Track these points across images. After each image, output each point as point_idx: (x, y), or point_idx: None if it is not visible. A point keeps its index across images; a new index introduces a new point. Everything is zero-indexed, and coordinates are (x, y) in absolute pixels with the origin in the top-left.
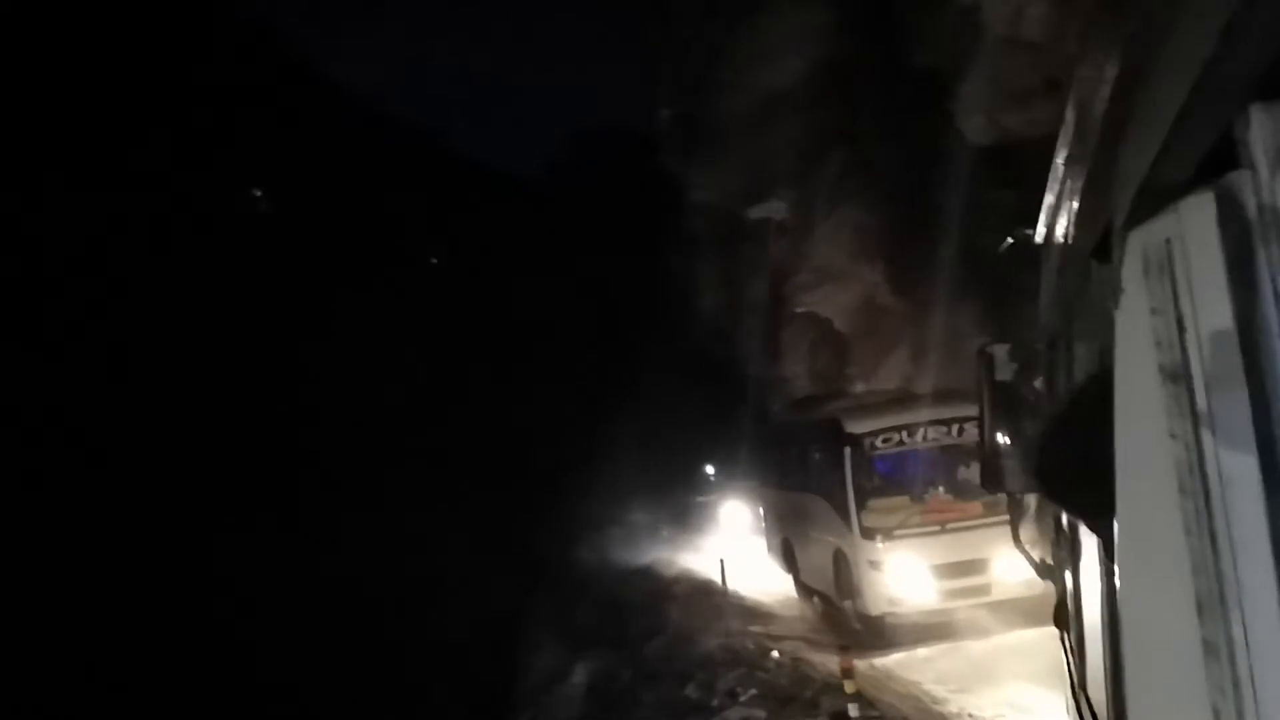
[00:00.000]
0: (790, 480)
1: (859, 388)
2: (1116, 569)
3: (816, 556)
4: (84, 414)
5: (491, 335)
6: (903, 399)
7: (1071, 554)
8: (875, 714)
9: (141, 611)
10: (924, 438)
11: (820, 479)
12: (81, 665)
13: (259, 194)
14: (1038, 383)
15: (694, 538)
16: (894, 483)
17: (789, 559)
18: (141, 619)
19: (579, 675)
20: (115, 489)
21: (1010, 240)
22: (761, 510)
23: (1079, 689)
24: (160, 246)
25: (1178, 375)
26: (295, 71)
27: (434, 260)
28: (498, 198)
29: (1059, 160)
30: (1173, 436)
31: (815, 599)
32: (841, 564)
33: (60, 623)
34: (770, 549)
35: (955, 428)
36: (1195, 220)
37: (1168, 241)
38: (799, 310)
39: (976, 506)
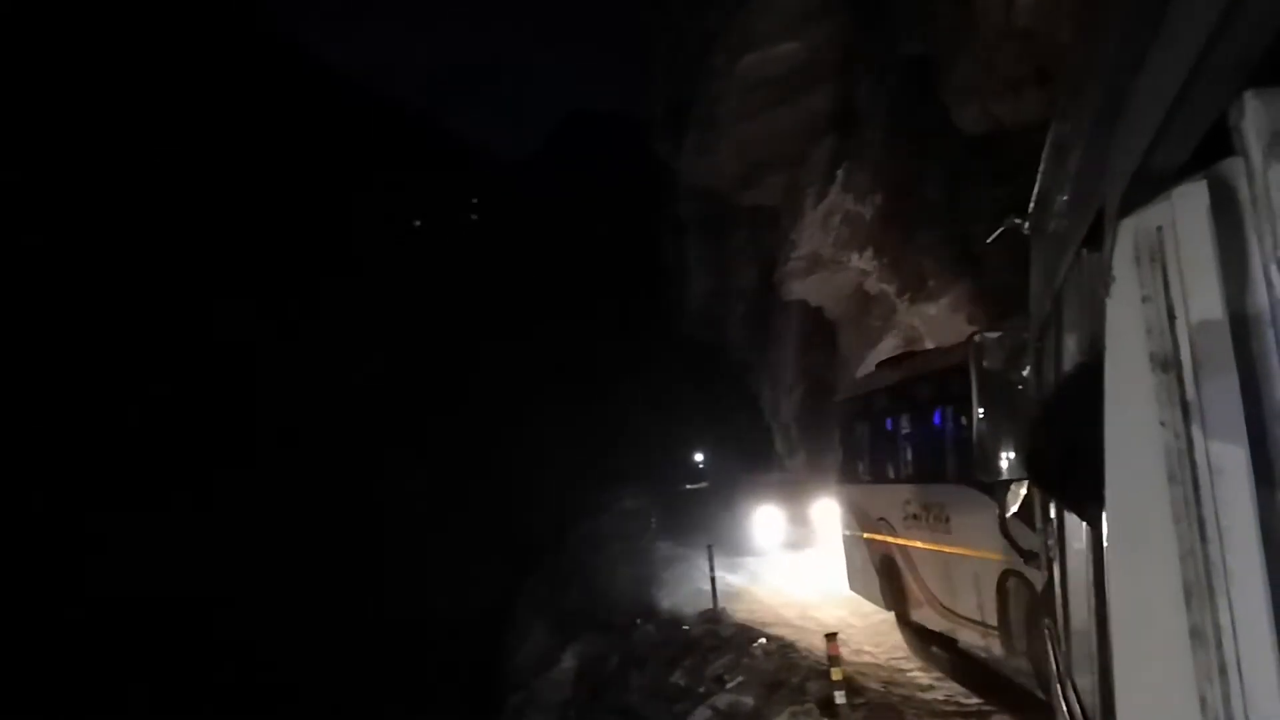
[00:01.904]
0: (895, 469)
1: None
2: (1105, 556)
3: (954, 583)
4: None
5: (480, 320)
6: None
7: (1059, 541)
8: (862, 701)
9: None
10: None
11: (968, 460)
12: None
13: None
14: (1027, 371)
15: (684, 525)
16: None
17: (891, 586)
18: None
19: (568, 659)
20: None
21: (1000, 229)
22: (843, 515)
23: (1066, 676)
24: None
25: (1168, 363)
26: (293, 58)
27: (430, 247)
28: (492, 182)
29: (1050, 148)
30: (1162, 424)
31: (937, 649)
32: (1015, 596)
33: None
34: (854, 571)
35: None
36: (1188, 208)
37: (1159, 229)
38: (789, 298)
39: None
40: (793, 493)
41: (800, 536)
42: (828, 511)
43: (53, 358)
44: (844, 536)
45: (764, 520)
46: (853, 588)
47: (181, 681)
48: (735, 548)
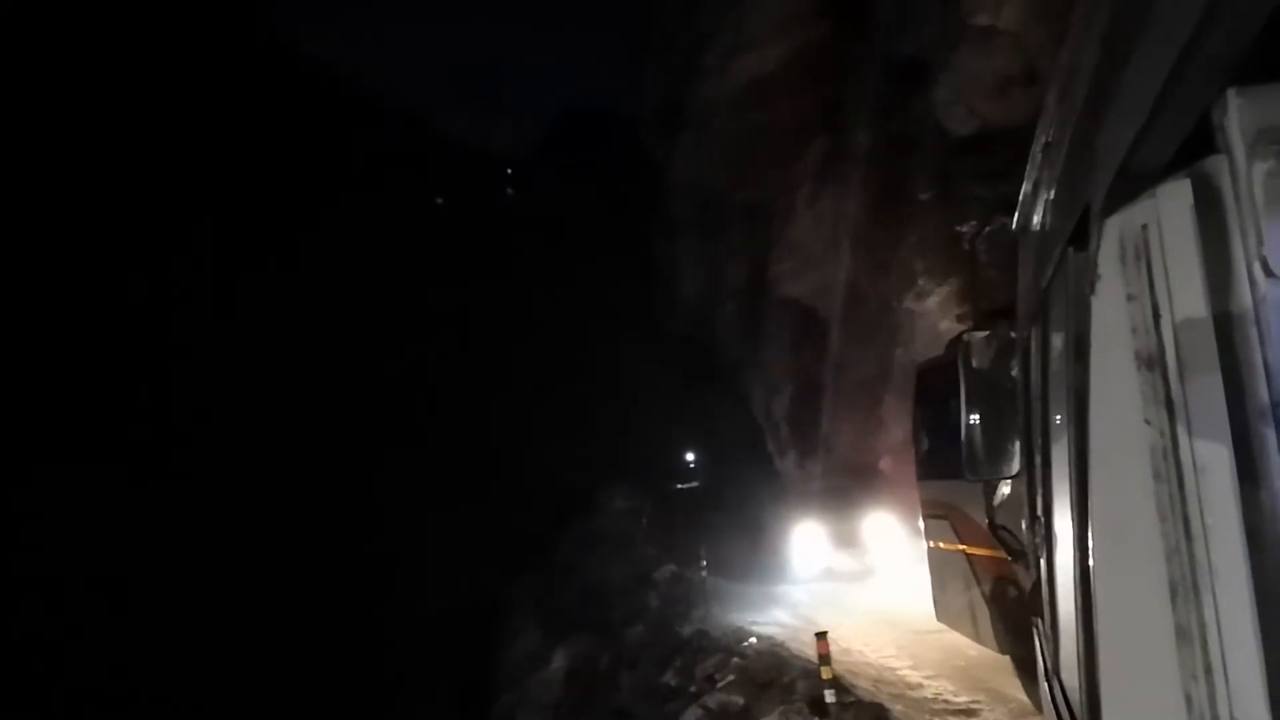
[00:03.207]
0: None
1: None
2: (1090, 554)
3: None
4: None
5: (473, 318)
6: None
7: (1046, 539)
8: (851, 699)
9: None
10: None
11: None
12: None
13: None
14: (1014, 370)
15: (674, 524)
16: None
17: (1009, 620)
18: None
19: (559, 660)
20: None
21: (988, 228)
22: (928, 523)
23: (1053, 674)
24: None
25: (1153, 362)
26: (280, 55)
27: (418, 244)
28: (483, 180)
29: (1037, 148)
30: (1147, 423)
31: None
32: None
33: None
34: (946, 598)
35: None
36: (1172, 206)
37: (1144, 228)
38: (780, 297)
39: None
40: (837, 504)
41: (850, 560)
42: (884, 528)
43: (59, 365)
44: (930, 551)
45: (804, 541)
46: (943, 619)
47: (169, 680)
48: (764, 573)
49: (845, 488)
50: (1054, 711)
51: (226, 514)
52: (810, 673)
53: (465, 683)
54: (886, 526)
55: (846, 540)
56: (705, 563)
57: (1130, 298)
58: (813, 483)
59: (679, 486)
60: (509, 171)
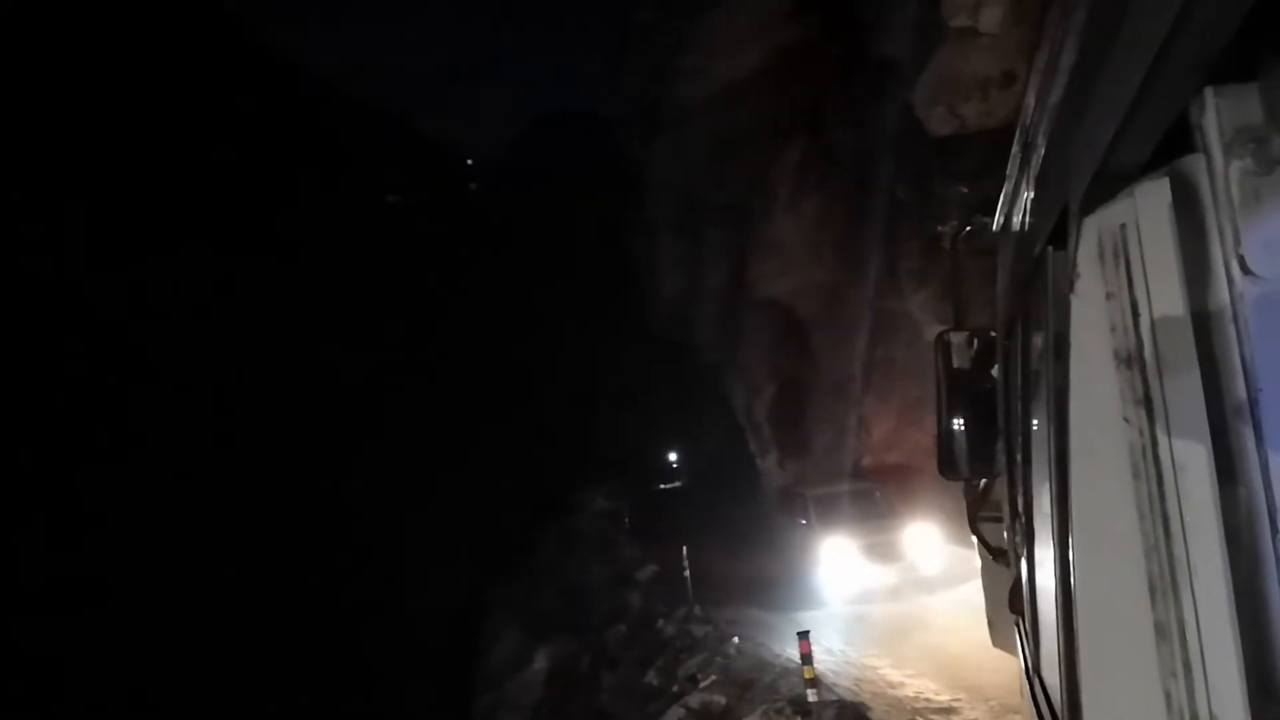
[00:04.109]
0: None
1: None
2: (1070, 552)
3: None
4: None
5: (453, 318)
6: None
7: (1027, 538)
8: (833, 698)
9: None
10: None
11: None
12: None
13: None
14: (994, 370)
15: (657, 526)
16: None
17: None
18: None
19: (540, 661)
20: None
21: (968, 228)
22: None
23: (1034, 672)
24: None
25: (1132, 360)
26: (258, 56)
27: (400, 245)
28: (461, 181)
29: (1016, 147)
30: (1126, 421)
31: None
32: None
33: None
34: (1005, 618)
35: None
36: (1150, 205)
37: (1123, 227)
38: (760, 296)
39: None
40: (869, 511)
41: (893, 577)
42: (925, 537)
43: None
44: (985, 564)
45: (833, 557)
46: (1000, 644)
47: (154, 682)
48: (772, 591)
49: (873, 488)
50: (1034, 709)
51: (212, 515)
52: (792, 672)
53: (445, 684)
54: (927, 535)
55: (882, 553)
56: (687, 562)
57: (1109, 296)
58: (819, 486)
59: (662, 487)
60: (487, 172)
